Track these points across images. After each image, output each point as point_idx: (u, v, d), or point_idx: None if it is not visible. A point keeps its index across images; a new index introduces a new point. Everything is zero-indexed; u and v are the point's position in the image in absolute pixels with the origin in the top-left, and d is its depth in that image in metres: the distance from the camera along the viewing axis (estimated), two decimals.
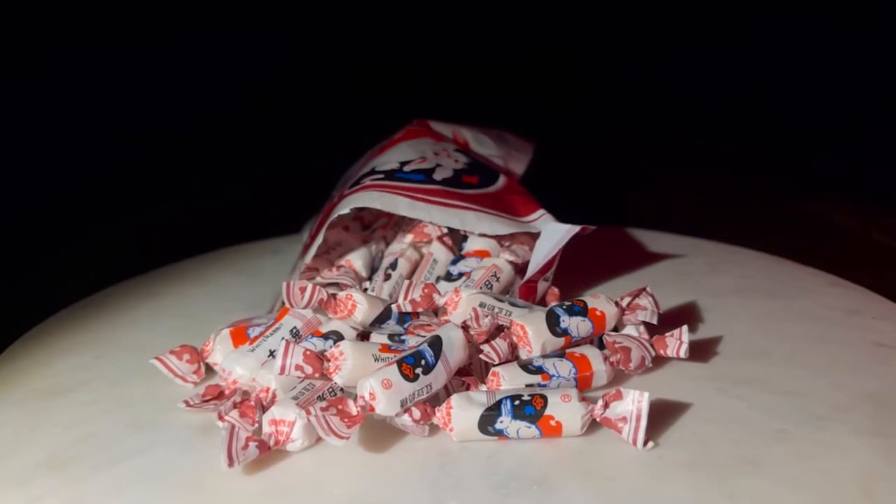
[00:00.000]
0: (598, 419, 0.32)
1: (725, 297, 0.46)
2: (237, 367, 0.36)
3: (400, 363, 0.32)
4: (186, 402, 0.35)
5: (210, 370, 0.39)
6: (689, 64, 1.43)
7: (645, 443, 0.32)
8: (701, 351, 0.40)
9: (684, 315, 0.43)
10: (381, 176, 0.43)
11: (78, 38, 0.93)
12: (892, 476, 0.30)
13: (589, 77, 1.43)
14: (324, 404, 0.31)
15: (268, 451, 0.31)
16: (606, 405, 0.32)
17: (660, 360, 0.38)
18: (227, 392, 0.36)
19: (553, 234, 0.41)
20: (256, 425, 0.33)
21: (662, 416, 0.34)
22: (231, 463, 0.30)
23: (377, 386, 0.31)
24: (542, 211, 0.44)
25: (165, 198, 0.89)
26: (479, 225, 0.42)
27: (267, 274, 0.51)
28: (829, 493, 0.29)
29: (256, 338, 0.37)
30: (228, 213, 0.79)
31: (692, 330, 0.42)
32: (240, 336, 0.38)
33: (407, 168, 0.44)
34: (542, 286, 0.42)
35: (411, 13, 1.35)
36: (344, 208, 0.41)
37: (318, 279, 0.42)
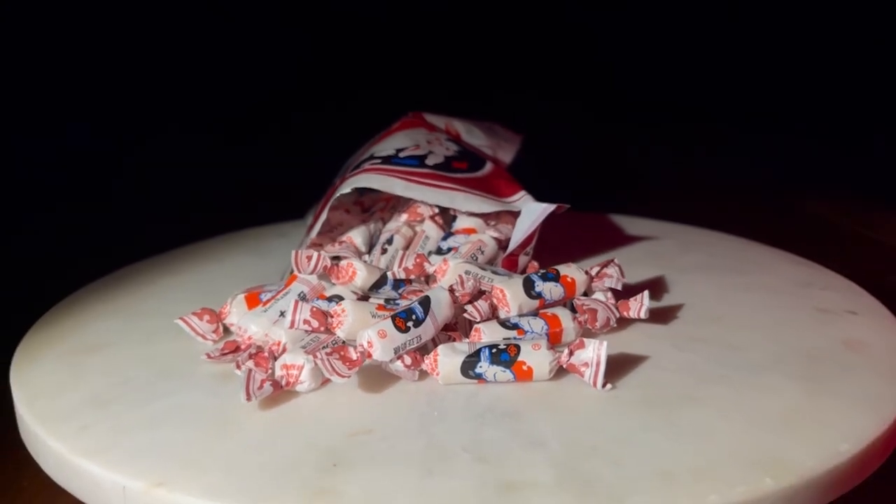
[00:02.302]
0: (564, 365, 0.39)
1: (691, 272, 0.53)
2: (252, 325, 0.43)
3: (394, 317, 0.39)
4: (208, 355, 0.42)
5: (227, 331, 0.45)
6: (683, 60, 1.50)
7: (604, 385, 0.38)
8: (662, 315, 0.46)
9: (651, 286, 0.50)
10: (379, 161, 0.50)
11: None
12: (810, 408, 0.36)
13: (585, 78, 1.50)
14: (328, 349, 0.38)
15: (280, 390, 0.38)
16: (571, 353, 0.39)
17: (624, 322, 0.44)
18: (243, 346, 0.43)
19: (532, 212, 0.47)
20: (270, 372, 0.39)
21: (622, 366, 0.40)
22: (249, 397, 0.37)
23: (374, 335, 0.38)
24: (523, 192, 0.50)
25: (181, 187, 0.99)
26: (467, 204, 0.48)
27: (275, 254, 0.58)
28: (756, 421, 0.35)
29: (268, 301, 0.44)
30: (237, 202, 0.88)
31: (658, 299, 0.49)
32: (253, 300, 0.45)
33: (402, 154, 0.51)
34: (523, 260, 0.48)
35: (418, 13, 1.42)
36: (346, 188, 0.48)
37: (323, 252, 0.49)
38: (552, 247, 0.50)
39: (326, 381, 0.39)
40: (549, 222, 0.48)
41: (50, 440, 0.36)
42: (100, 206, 0.91)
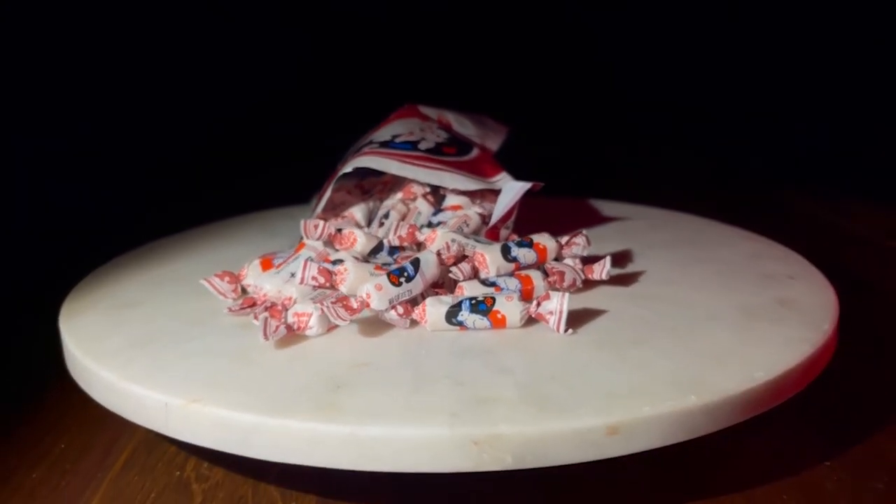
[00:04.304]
0: (532, 315, 0.49)
1: (656, 248, 0.62)
2: (266, 284, 0.53)
3: (389, 274, 0.49)
4: (229, 309, 0.51)
5: (244, 291, 0.55)
6: (683, 60, 1.60)
7: (565, 330, 0.48)
8: (625, 279, 0.56)
9: (617, 257, 0.59)
10: (377, 145, 0.60)
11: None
12: (737, 348, 0.46)
13: (585, 78, 1.60)
14: (333, 299, 0.48)
15: (292, 333, 0.48)
16: (539, 304, 0.48)
17: (589, 284, 0.54)
18: (259, 302, 0.52)
19: (511, 190, 0.57)
20: (283, 319, 0.49)
21: (583, 317, 0.50)
22: (266, 337, 0.46)
23: (371, 288, 0.48)
24: (504, 173, 0.60)
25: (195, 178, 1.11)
26: (454, 182, 0.58)
27: (283, 233, 0.67)
28: (689, 357, 0.45)
29: (280, 264, 0.54)
30: (249, 191, 0.99)
31: (622, 267, 0.58)
32: (267, 264, 0.55)
33: (397, 140, 0.60)
34: (503, 233, 0.58)
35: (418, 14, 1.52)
36: (348, 168, 0.58)
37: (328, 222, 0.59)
38: (531, 224, 0.59)
39: (332, 328, 0.49)
40: (531, 204, 0.58)
41: (101, 371, 0.46)
42: (110, 201, 1.03)
